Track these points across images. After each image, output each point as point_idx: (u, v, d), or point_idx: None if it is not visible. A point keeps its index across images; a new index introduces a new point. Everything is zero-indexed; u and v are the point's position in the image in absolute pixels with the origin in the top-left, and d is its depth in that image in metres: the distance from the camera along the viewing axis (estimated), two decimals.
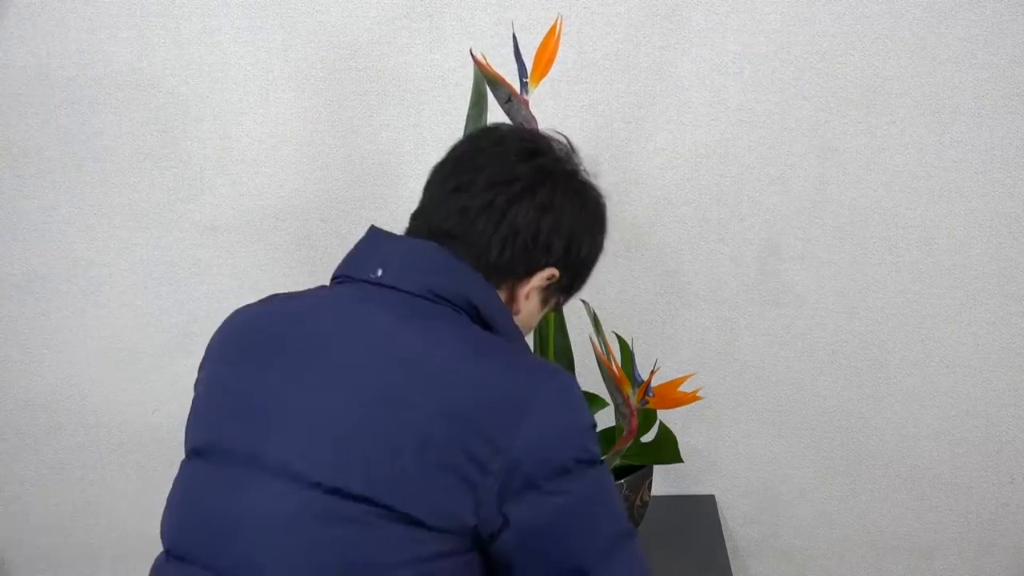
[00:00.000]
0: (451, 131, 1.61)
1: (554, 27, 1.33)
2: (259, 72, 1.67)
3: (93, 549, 1.88)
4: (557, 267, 1.10)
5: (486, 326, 1.06)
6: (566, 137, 1.15)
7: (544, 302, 1.14)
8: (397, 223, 1.73)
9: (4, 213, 1.74)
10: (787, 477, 1.80)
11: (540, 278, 1.10)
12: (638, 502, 1.52)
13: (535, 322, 1.16)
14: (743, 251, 1.71)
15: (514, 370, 1.00)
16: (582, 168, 1.15)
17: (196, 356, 1.78)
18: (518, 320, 1.11)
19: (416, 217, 1.14)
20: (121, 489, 1.85)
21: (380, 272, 1.06)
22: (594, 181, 1.15)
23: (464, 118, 1.40)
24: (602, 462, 1.03)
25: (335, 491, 0.94)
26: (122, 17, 1.65)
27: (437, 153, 1.69)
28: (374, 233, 1.12)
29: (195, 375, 1.96)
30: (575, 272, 1.14)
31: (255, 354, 1.05)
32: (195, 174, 1.71)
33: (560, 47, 1.33)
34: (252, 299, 1.74)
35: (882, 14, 1.60)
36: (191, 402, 1.09)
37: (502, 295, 1.10)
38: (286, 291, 1.15)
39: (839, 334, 1.73)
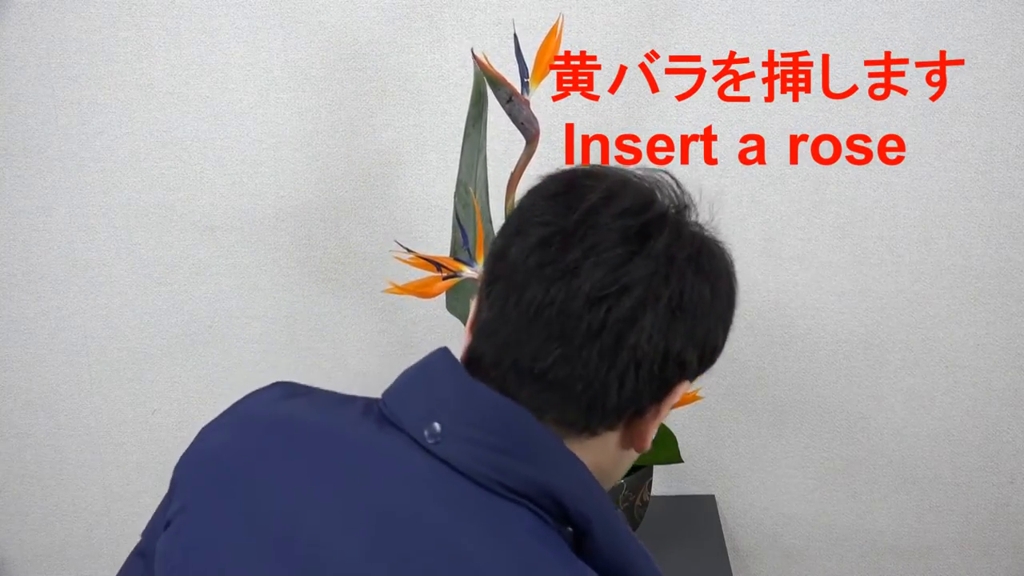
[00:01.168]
0: (451, 131, 1.61)
1: (555, 27, 1.33)
2: (259, 72, 1.67)
3: (93, 549, 1.88)
4: (689, 377, 0.82)
5: (575, 527, 0.77)
6: (670, 175, 0.86)
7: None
8: (397, 223, 1.75)
9: (4, 213, 1.73)
10: (787, 477, 1.80)
11: (669, 402, 0.81)
12: (638, 502, 1.52)
13: None
14: (743, 251, 1.70)
15: None
16: (700, 222, 0.86)
17: (196, 356, 1.80)
18: (634, 452, 0.85)
19: (487, 335, 0.79)
20: (120, 490, 1.85)
21: (438, 428, 0.76)
22: (715, 234, 0.87)
23: (464, 118, 1.40)
24: None
25: None
26: (122, 17, 1.65)
27: (437, 153, 1.71)
28: (444, 363, 0.80)
29: (194, 375, 1.95)
30: (704, 369, 0.85)
31: (257, 531, 0.79)
32: (195, 174, 1.71)
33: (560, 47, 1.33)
34: (251, 299, 1.78)
35: (882, 14, 1.60)
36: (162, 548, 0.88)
37: (617, 435, 0.81)
38: (299, 381, 0.90)
39: (839, 334, 1.73)
